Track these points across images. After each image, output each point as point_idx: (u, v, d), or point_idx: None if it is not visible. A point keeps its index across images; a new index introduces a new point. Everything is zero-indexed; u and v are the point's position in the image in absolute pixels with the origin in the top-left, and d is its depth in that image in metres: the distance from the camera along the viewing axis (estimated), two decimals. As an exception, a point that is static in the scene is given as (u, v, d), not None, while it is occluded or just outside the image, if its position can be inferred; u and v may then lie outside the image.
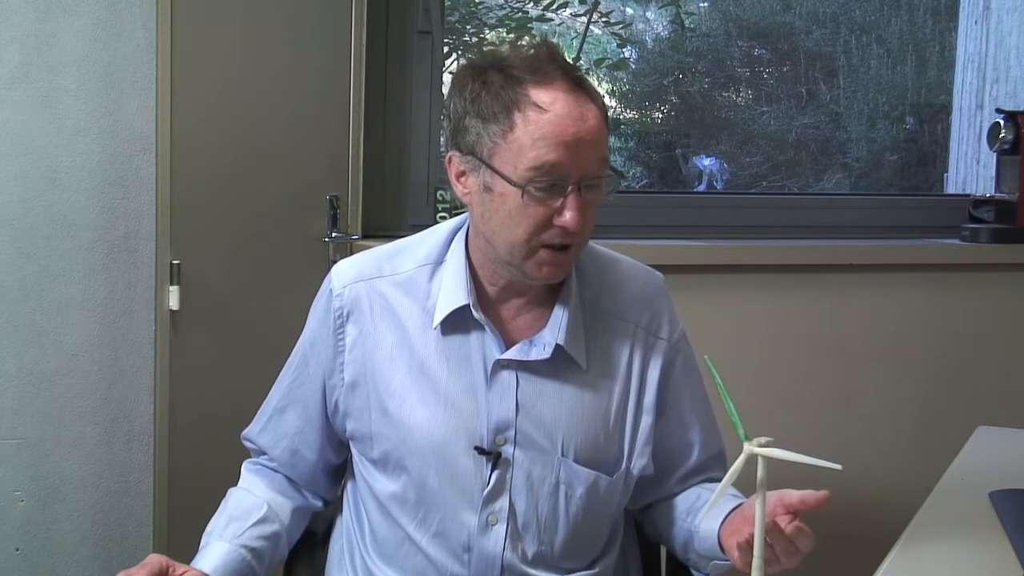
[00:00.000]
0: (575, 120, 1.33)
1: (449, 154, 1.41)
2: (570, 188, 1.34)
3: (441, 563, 1.45)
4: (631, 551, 1.62)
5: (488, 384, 1.43)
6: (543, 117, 1.32)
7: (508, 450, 1.43)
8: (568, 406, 1.45)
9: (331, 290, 1.50)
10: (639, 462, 1.49)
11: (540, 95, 1.33)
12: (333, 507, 1.63)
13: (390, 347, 1.46)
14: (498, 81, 1.35)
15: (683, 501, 1.55)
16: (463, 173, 1.40)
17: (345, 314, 1.48)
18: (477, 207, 1.40)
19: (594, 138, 1.35)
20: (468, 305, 1.43)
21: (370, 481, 1.50)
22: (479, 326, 1.44)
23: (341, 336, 1.48)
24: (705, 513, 1.29)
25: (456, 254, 1.47)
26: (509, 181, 1.34)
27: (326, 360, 1.50)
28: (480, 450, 1.42)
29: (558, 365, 1.44)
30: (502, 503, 1.44)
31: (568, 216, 1.34)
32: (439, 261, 1.48)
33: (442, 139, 2.43)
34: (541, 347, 1.43)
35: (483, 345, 1.44)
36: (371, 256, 1.52)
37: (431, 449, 1.43)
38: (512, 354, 1.43)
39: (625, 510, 1.58)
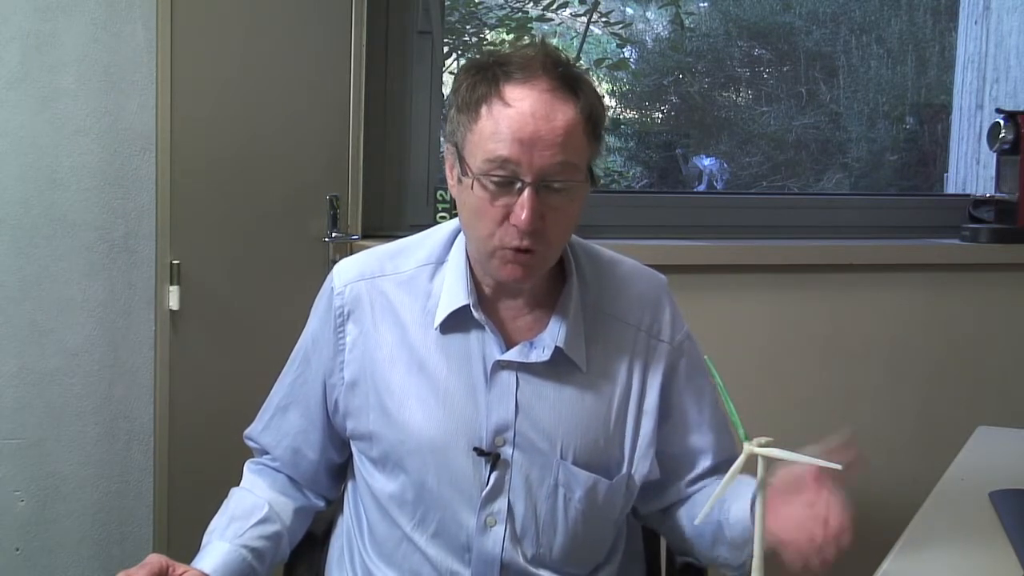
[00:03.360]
0: (538, 118, 1.32)
1: (446, 144, 1.43)
2: (520, 185, 1.33)
3: (440, 563, 1.45)
4: (634, 563, 1.61)
5: (488, 385, 1.43)
6: (504, 112, 1.32)
7: (507, 451, 1.43)
8: (568, 409, 1.44)
9: (332, 288, 1.50)
10: (641, 466, 1.48)
11: (513, 92, 1.33)
12: (333, 507, 1.63)
13: (390, 346, 1.46)
14: (484, 76, 1.35)
15: (703, 496, 1.52)
16: (452, 164, 1.41)
17: (346, 313, 1.48)
18: (457, 199, 1.41)
19: (557, 139, 1.32)
20: (468, 305, 1.43)
21: (369, 480, 1.49)
22: (480, 326, 1.43)
23: (341, 335, 1.48)
24: (705, 513, 1.28)
25: (457, 254, 1.46)
26: (469, 171, 1.35)
27: (327, 358, 1.50)
28: (479, 451, 1.42)
29: (558, 367, 1.44)
30: (500, 504, 1.43)
31: (518, 214, 1.33)
32: (440, 261, 1.48)
33: (442, 138, 2.43)
34: (541, 349, 1.43)
35: (483, 345, 1.44)
36: (373, 255, 1.52)
37: (430, 449, 1.43)
38: (512, 355, 1.43)
39: (630, 522, 1.58)
